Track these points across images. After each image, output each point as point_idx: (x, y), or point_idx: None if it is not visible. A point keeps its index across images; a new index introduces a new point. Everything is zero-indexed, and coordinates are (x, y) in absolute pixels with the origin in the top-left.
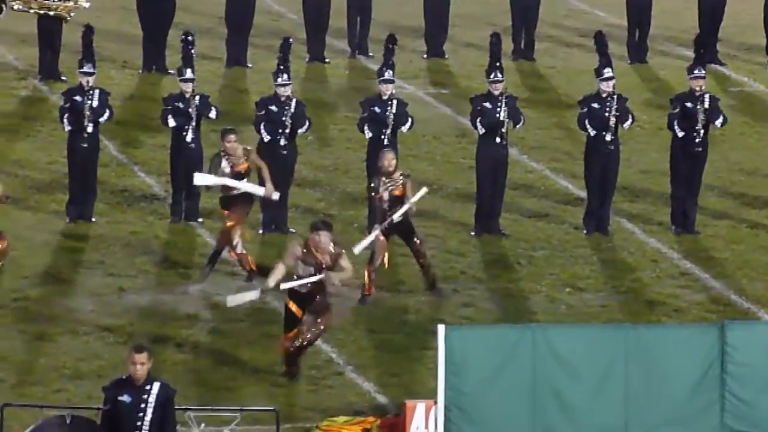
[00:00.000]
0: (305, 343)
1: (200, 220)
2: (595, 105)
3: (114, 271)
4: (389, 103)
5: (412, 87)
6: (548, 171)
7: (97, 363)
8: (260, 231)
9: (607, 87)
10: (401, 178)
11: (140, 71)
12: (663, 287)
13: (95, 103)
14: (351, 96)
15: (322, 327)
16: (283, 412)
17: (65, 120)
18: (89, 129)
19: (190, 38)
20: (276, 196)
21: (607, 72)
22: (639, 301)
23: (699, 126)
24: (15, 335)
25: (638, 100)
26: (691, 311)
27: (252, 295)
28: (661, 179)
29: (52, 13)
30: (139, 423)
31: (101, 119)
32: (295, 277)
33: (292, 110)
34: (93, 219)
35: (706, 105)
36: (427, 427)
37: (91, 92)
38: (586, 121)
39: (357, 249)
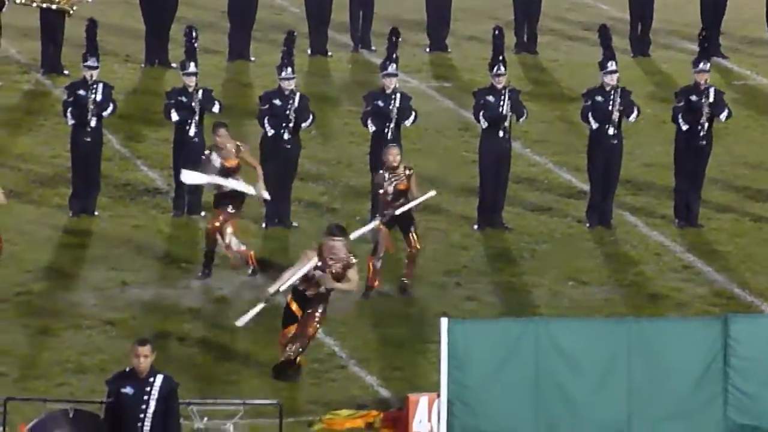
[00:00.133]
0: (293, 355)
1: (203, 213)
2: (599, 98)
3: (117, 265)
4: (392, 96)
5: (415, 81)
6: (551, 164)
7: (99, 357)
8: (263, 225)
9: (610, 80)
10: (406, 172)
11: (143, 65)
12: (666, 281)
13: (99, 97)
14: (354, 90)
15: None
16: (286, 405)
17: (68, 114)
18: (92, 123)
19: (193, 32)
20: (266, 196)
21: (611, 65)
22: (642, 295)
23: (704, 119)
24: (18, 329)
25: (641, 93)
26: (694, 305)
27: (258, 309)
28: (664, 173)
29: (54, 6)
30: (141, 415)
31: (105, 113)
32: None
33: (296, 104)
34: (96, 213)
35: (711, 99)
36: (430, 420)
37: (94, 86)
38: (590, 115)
39: (353, 235)
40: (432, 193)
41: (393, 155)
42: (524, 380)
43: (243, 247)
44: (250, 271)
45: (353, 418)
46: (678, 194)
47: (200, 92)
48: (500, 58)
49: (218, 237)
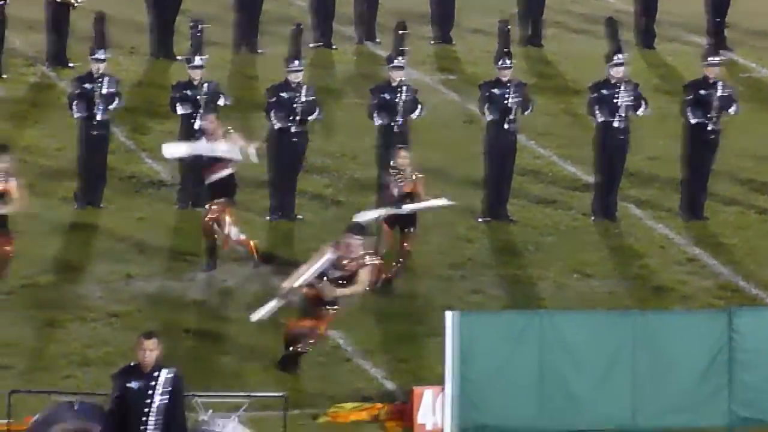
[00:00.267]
0: (303, 349)
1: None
2: (605, 91)
3: (122, 258)
4: (399, 89)
5: (420, 73)
6: (556, 157)
7: (105, 349)
8: (267, 217)
9: (617, 73)
10: (413, 175)
11: (149, 57)
12: (671, 273)
13: (106, 90)
14: (358, 82)
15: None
16: (291, 398)
17: (75, 107)
18: (100, 116)
19: (199, 25)
20: (254, 158)
21: (618, 58)
22: (647, 288)
23: (713, 113)
24: (23, 321)
25: (646, 86)
26: (699, 297)
27: (273, 304)
28: (668, 165)
29: None
30: (147, 409)
31: (112, 106)
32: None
33: (304, 97)
34: (102, 206)
35: (721, 92)
36: (434, 413)
37: (101, 79)
38: (596, 107)
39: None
40: (444, 201)
41: (402, 157)
42: (529, 372)
43: (243, 236)
44: (253, 264)
45: (358, 410)
46: (684, 187)
47: (206, 85)
48: (506, 50)
49: (216, 229)
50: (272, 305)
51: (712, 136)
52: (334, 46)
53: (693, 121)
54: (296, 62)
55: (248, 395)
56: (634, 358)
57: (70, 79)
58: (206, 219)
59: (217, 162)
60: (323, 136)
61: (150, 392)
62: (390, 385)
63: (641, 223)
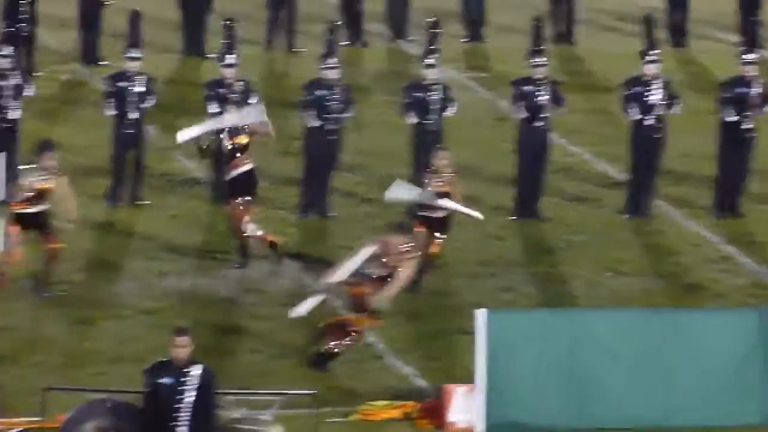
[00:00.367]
0: (338, 351)
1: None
2: (638, 88)
3: (154, 255)
4: (433, 88)
5: (450, 71)
6: (588, 155)
7: (137, 346)
8: (300, 214)
9: (650, 70)
10: (450, 175)
11: (180, 55)
12: (704, 271)
13: (141, 89)
14: (388, 80)
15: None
16: (322, 396)
17: (108, 105)
18: (134, 114)
19: (232, 24)
20: (264, 117)
21: (653, 55)
22: (679, 286)
23: (748, 111)
24: (57, 318)
25: (677, 83)
26: (732, 296)
27: (314, 301)
28: (701, 163)
29: None
30: (179, 405)
31: (145, 105)
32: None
33: (340, 94)
34: (138, 203)
35: (756, 91)
36: (466, 411)
37: (136, 78)
38: (630, 104)
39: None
40: (478, 214)
41: (441, 158)
42: (561, 371)
43: (259, 232)
44: (272, 260)
45: (390, 408)
46: (719, 185)
47: (239, 84)
48: (539, 48)
49: (244, 227)
50: (312, 302)
51: (748, 134)
52: (361, 44)
53: (728, 119)
54: (332, 60)
55: (279, 393)
56: (667, 356)
57: (104, 77)
58: (232, 220)
59: (236, 156)
60: (354, 133)
61: (182, 388)
62: (421, 383)
63: (674, 220)
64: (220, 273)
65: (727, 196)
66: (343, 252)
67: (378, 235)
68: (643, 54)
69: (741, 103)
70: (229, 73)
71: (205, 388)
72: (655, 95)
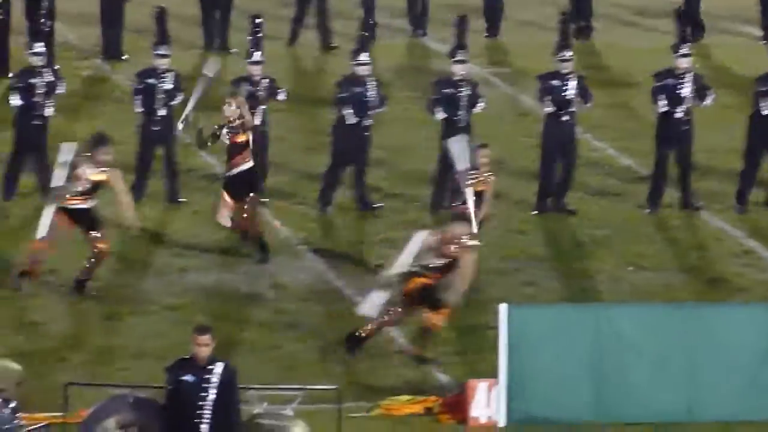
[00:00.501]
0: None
1: (265, 200)
2: (670, 81)
3: (177, 251)
4: (462, 83)
5: (473, 66)
6: (611, 150)
7: (160, 342)
8: (321, 209)
9: (682, 64)
10: (487, 175)
11: (202, 51)
12: (727, 266)
13: (169, 86)
14: (410, 75)
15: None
16: (344, 391)
17: (137, 102)
18: (162, 111)
19: (258, 21)
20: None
21: (685, 49)
22: (702, 280)
23: None
24: (80, 314)
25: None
26: (755, 290)
27: (381, 295)
28: (724, 157)
29: None
30: (201, 403)
31: (174, 102)
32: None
33: (374, 90)
34: (176, 201)
35: None
36: (489, 406)
37: (165, 75)
38: (660, 96)
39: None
40: (476, 243)
41: (480, 156)
42: (584, 366)
43: (229, 224)
44: (259, 257)
45: (412, 403)
46: (743, 179)
47: (265, 81)
48: (566, 43)
49: (259, 222)
50: (377, 297)
51: None
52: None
53: (765, 112)
54: (364, 55)
55: (301, 388)
56: (690, 350)
57: (134, 74)
58: (242, 218)
59: (237, 154)
60: (376, 129)
61: (205, 386)
62: (444, 378)
63: (697, 215)
64: (242, 269)
65: (751, 190)
66: (367, 247)
67: (446, 226)
68: (676, 48)
69: None
70: (255, 70)
71: (226, 385)
72: (686, 89)
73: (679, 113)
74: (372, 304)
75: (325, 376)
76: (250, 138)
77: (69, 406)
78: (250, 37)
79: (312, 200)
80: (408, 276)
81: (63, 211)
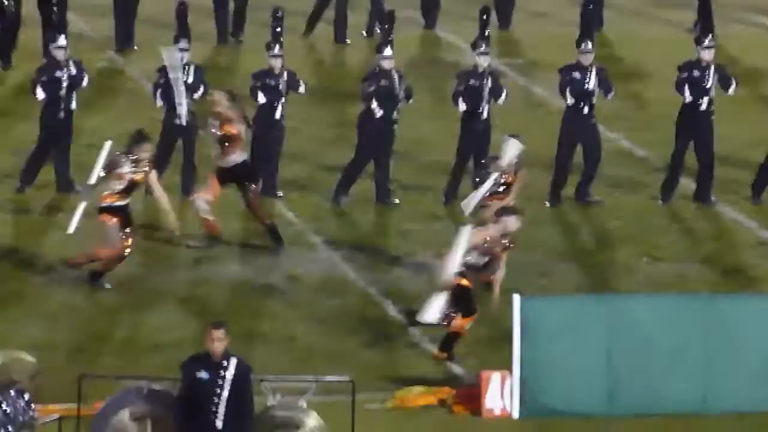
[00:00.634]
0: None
1: (280, 194)
2: (696, 72)
3: (191, 243)
4: (486, 75)
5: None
6: (625, 141)
7: (174, 334)
8: (336, 199)
9: (707, 55)
10: (515, 166)
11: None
12: (742, 257)
13: (190, 79)
14: (422, 67)
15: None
16: (358, 382)
17: (159, 96)
18: (184, 105)
19: (278, 15)
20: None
21: (708, 40)
22: (717, 271)
23: None
24: (95, 306)
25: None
26: None
27: (442, 299)
28: (737, 147)
29: None
30: (216, 399)
31: (196, 95)
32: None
33: (400, 82)
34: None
35: None
36: (502, 397)
37: (186, 68)
38: (685, 88)
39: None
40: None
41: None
42: (598, 357)
43: (209, 217)
44: (202, 242)
45: (426, 395)
46: (763, 171)
47: (286, 74)
48: (587, 34)
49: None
50: (439, 303)
51: None
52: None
53: None
54: (389, 49)
55: (315, 380)
56: (704, 341)
57: (156, 68)
58: (250, 208)
59: (227, 145)
60: None
61: (220, 381)
62: (458, 370)
63: (711, 205)
64: (257, 260)
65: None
66: (379, 238)
67: (502, 217)
68: (699, 40)
69: None
70: (276, 63)
71: (241, 380)
72: (711, 80)
73: (704, 105)
74: (432, 310)
75: (340, 367)
76: (242, 130)
77: (83, 398)
78: (272, 31)
79: (326, 192)
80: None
81: (105, 210)
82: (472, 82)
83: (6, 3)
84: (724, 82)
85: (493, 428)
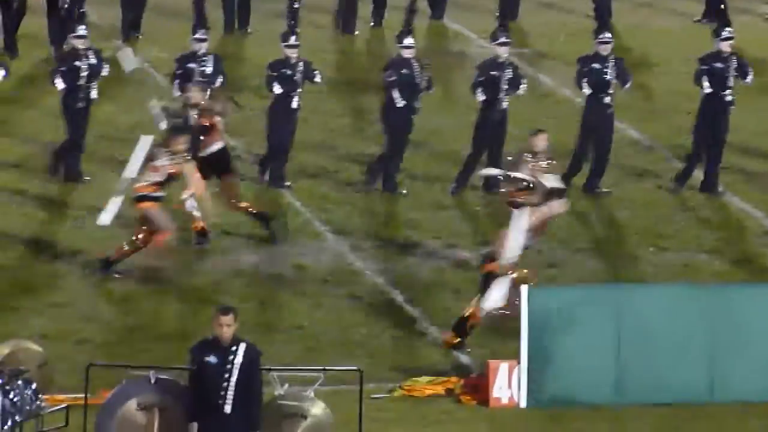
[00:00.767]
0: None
1: (288, 184)
2: (717, 64)
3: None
4: (506, 66)
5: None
6: (632, 130)
7: (182, 324)
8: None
9: (726, 47)
10: (547, 160)
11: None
12: (749, 246)
13: (209, 70)
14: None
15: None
16: (366, 372)
17: (177, 86)
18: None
19: (295, 6)
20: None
21: (727, 32)
22: (724, 261)
23: None
24: (101, 295)
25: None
26: None
27: (504, 286)
28: (745, 137)
29: None
30: (225, 384)
31: (214, 85)
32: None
33: (421, 72)
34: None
35: None
36: (510, 386)
37: (204, 58)
38: (704, 78)
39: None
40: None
41: (541, 140)
42: (604, 346)
43: (196, 213)
44: (195, 241)
45: (434, 384)
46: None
47: (301, 64)
48: (605, 25)
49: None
50: (502, 288)
51: None
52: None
53: None
54: (409, 39)
55: (324, 369)
56: (711, 331)
57: (174, 58)
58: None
59: (206, 135)
60: None
61: (228, 366)
62: (465, 359)
63: (718, 195)
64: (263, 249)
65: None
66: (387, 228)
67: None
68: (718, 31)
69: None
70: (292, 53)
71: (249, 365)
72: (731, 71)
73: (728, 96)
74: (495, 297)
75: (347, 357)
76: (218, 121)
77: (91, 388)
78: (288, 21)
79: (335, 181)
80: (486, 259)
81: (146, 198)
82: (493, 72)
83: None
84: (742, 71)
85: (501, 418)
